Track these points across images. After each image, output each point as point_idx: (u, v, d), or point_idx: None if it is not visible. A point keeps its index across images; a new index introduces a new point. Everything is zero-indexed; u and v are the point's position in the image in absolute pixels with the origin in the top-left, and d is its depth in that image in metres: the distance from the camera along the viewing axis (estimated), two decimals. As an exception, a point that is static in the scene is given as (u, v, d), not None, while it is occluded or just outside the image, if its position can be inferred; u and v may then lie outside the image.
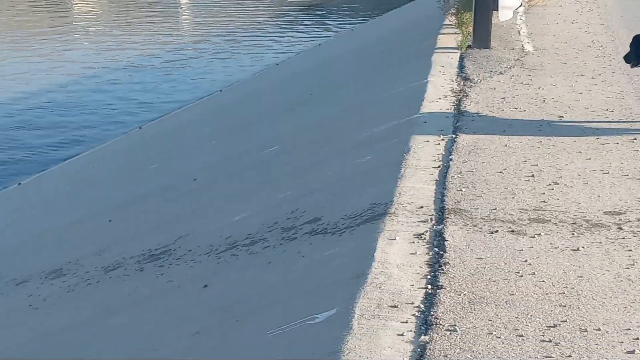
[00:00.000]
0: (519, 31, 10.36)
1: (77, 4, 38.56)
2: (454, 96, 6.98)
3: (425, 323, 3.14)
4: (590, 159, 5.23)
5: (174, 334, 3.72)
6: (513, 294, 3.35)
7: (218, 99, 13.42)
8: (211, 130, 9.34)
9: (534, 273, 3.55)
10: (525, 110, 6.55)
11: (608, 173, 4.95)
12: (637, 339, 3.01)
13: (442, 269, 3.60)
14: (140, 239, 5.85)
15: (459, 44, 9.15)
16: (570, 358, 2.87)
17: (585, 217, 4.23)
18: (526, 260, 3.68)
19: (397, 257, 3.67)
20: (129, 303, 4.51)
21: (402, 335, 3.02)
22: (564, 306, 3.25)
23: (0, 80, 24.77)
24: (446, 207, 4.36)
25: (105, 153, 12.05)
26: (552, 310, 3.21)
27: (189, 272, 4.62)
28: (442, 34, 9.91)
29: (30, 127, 19.79)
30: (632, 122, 6.22)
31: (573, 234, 4.01)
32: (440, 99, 6.78)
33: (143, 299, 4.48)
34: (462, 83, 7.57)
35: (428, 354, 2.93)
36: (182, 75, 23.17)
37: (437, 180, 4.79)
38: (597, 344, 2.97)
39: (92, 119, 20.07)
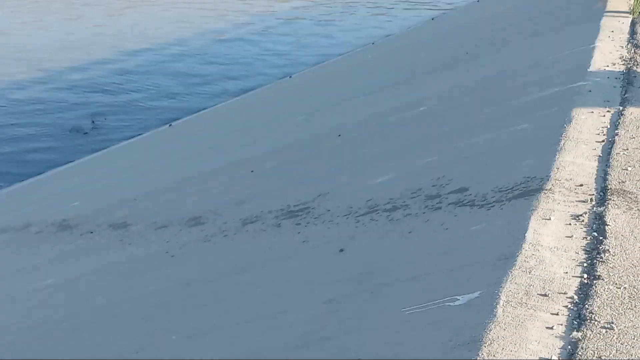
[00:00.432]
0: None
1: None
2: (623, 64, 6.43)
3: (579, 317, 2.82)
4: None
5: (305, 300, 3.56)
6: (683, 293, 2.98)
7: (369, 52, 13.16)
8: (359, 84, 9.13)
9: None
10: (703, 83, 5.94)
11: None
12: None
13: (601, 257, 3.25)
14: (280, 193, 5.74)
15: (632, 8, 8.47)
16: None
17: None
18: (700, 255, 3.27)
19: (551, 239, 3.34)
20: (263, 260, 4.40)
21: (551, 328, 2.72)
22: None
23: (158, 26, 25.47)
24: (609, 187, 3.96)
25: (254, 100, 12.09)
26: None
27: (325, 234, 4.45)
28: (613, -4, 9.21)
29: (181, 75, 20.23)
30: None
31: None
32: (607, 66, 6.26)
33: (277, 257, 4.36)
34: (632, 50, 6.98)
35: (580, 352, 2.62)
36: (335, 29, 23.06)
37: (599, 156, 4.37)
38: None
39: (244, 68, 20.31)
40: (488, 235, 3.54)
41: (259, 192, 6.02)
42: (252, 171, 6.70)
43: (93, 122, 16.69)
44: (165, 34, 24.04)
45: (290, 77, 15.45)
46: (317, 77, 11.86)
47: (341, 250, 4.05)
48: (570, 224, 3.47)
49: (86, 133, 16.11)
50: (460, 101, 6.45)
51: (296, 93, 10.68)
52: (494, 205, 3.87)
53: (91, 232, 6.74)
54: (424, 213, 4.15)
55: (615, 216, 3.60)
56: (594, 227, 3.49)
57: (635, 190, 3.92)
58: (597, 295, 2.94)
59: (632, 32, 7.65)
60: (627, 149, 4.46)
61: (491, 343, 2.59)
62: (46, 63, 21.09)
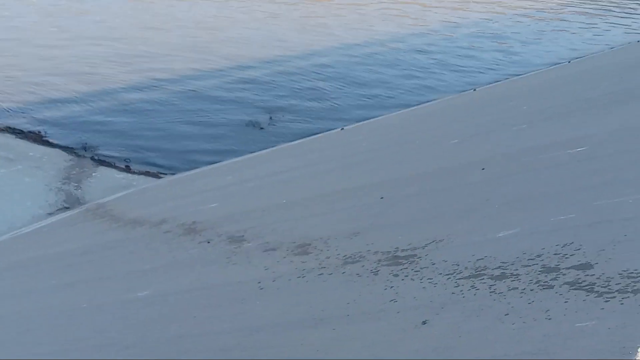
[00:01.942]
0: None
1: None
2: None
3: None
4: None
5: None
6: None
7: (548, 74, 12.12)
8: (526, 110, 8.25)
9: None
10: None
11: None
12: None
13: None
14: (396, 230, 5.11)
15: None
16: None
17: None
18: None
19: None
20: (341, 315, 3.81)
21: None
22: None
23: (346, 27, 25.25)
24: None
25: (423, 113, 11.43)
26: None
27: (418, 295, 3.79)
28: None
29: (364, 79, 19.85)
30: None
31: None
32: None
33: (356, 315, 3.76)
34: None
35: None
36: (546, 41, 21.79)
37: None
38: None
39: (427, 78, 19.65)
40: (593, 340, 2.77)
41: (378, 224, 5.41)
42: (381, 198, 6.10)
43: (271, 117, 16.70)
44: (352, 36, 23.83)
45: (475, 89, 14.67)
46: (489, 95, 11.02)
47: (424, 322, 3.39)
48: None
49: (262, 128, 16.13)
50: (627, 146, 5.51)
51: (461, 112, 9.92)
52: (614, 296, 3.07)
53: (208, 242, 6.42)
54: (531, 290, 3.39)
55: None
56: None
57: None
58: None
59: None
60: None
61: None
62: (237, 56, 21.40)
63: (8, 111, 16.45)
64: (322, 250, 5.11)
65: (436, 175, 6.38)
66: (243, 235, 6.26)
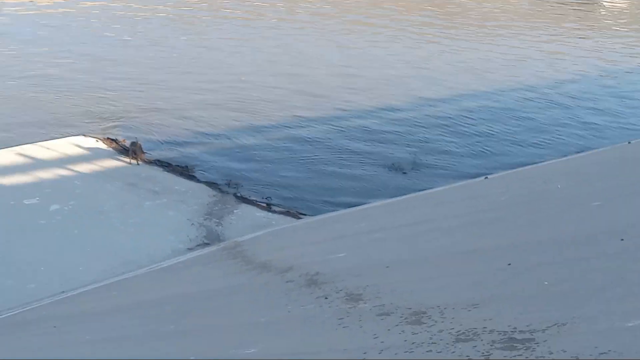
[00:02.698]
0: None
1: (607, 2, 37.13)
2: None
3: None
4: None
5: None
6: None
7: None
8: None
9: None
10: None
11: None
12: None
13: None
14: (518, 305, 4.71)
15: None
16: None
17: None
18: None
19: None
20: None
21: None
22: None
23: (496, 65, 24.61)
24: None
25: (575, 164, 10.83)
26: None
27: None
28: None
29: (517, 121, 19.20)
30: None
31: None
32: None
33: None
34: None
35: None
36: None
37: None
38: None
39: (600, 122, 18.77)
40: None
41: (499, 296, 5.03)
42: (509, 264, 5.69)
43: (415, 162, 16.44)
44: (505, 79, 23.20)
45: (629, 142, 13.83)
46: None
47: None
48: None
49: (405, 173, 15.90)
50: None
51: (611, 167, 9.28)
52: None
53: (325, 298, 6.21)
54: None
55: None
56: None
57: None
58: None
59: None
60: None
61: None
62: (387, 97, 21.31)
63: (158, 144, 17.03)
64: (436, 322, 4.78)
65: (571, 243, 5.90)
66: (361, 294, 6.01)
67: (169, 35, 27.14)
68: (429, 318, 4.91)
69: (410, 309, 5.23)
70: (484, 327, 4.43)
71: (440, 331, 4.59)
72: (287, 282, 7.33)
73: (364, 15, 32.56)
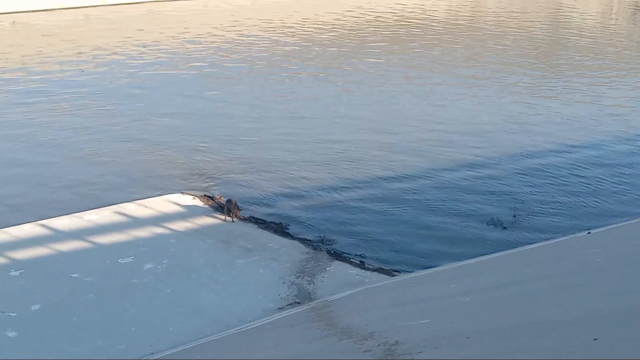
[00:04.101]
0: None
1: None
2: None
3: None
4: None
5: None
6: None
7: None
8: None
9: None
10: None
11: None
12: None
13: None
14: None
15: None
16: None
17: None
18: None
19: None
20: None
21: None
22: None
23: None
24: None
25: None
26: None
27: None
28: None
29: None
30: None
31: None
32: None
33: None
34: None
35: None
36: None
37: None
38: None
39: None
40: None
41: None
42: (595, 339, 5.19)
43: (515, 216, 15.87)
44: (620, 130, 22.28)
45: None
46: None
47: None
48: None
49: (505, 228, 15.36)
50: None
51: None
52: None
53: (399, 373, 5.84)
54: None
55: None
56: None
57: None
58: None
59: None
60: None
61: None
62: (486, 150, 20.80)
63: (254, 201, 17.02)
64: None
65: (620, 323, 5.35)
66: (435, 370, 5.61)
67: (265, 92, 27.42)
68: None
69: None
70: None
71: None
72: (364, 351, 6.99)
73: (459, 67, 32.17)
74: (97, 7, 45.08)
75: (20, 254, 13.78)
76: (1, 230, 14.73)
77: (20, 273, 13.13)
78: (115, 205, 16.17)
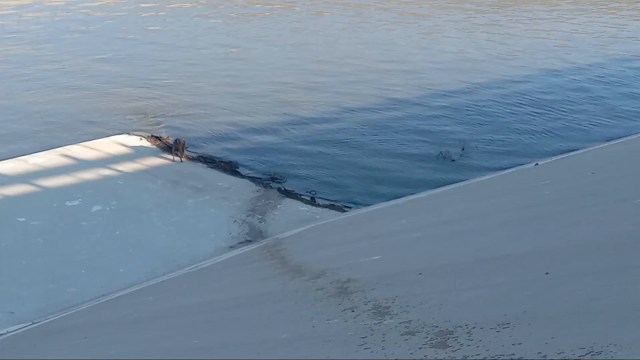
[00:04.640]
0: None
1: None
2: None
3: None
4: None
5: None
6: None
7: None
8: None
9: None
10: None
11: None
12: None
13: None
14: (549, 321, 4.28)
15: None
16: None
17: None
18: None
19: None
20: None
21: None
22: None
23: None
24: None
25: (621, 150, 10.20)
26: None
27: None
28: None
29: (581, 105, 18.41)
30: None
31: None
32: None
33: None
34: None
35: None
36: None
37: None
38: None
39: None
40: None
41: (532, 313, 4.59)
42: (546, 273, 5.24)
43: (463, 149, 15.94)
44: (556, 64, 22.40)
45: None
46: None
47: None
48: None
49: (453, 160, 15.43)
50: None
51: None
52: None
53: (352, 311, 5.84)
54: None
55: None
56: None
57: None
58: None
59: None
60: None
61: None
62: (432, 85, 20.76)
63: (201, 140, 16.82)
64: (462, 345, 4.37)
65: (615, 249, 5.41)
66: (389, 307, 5.63)
67: (208, 34, 26.93)
68: (455, 340, 4.50)
69: (436, 327, 4.84)
70: (512, 354, 4.01)
71: (465, 357, 4.19)
72: (317, 289, 6.99)
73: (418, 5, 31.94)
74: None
75: (-36, 199, 13.48)
76: (-59, 174, 14.38)
77: (-36, 218, 12.87)
78: (60, 148, 15.85)
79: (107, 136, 16.65)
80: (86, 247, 12.15)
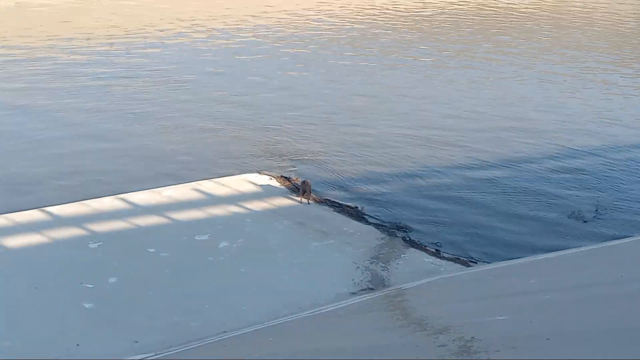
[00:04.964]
0: None
1: None
2: None
3: None
4: None
5: None
6: None
7: None
8: None
9: None
10: None
11: None
12: None
13: None
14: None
15: None
16: None
17: None
18: None
19: None
20: None
21: None
22: None
23: None
24: None
25: None
26: None
27: None
28: None
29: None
30: None
31: None
32: None
33: None
34: None
35: None
36: None
37: None
38: None
39: None
40: None
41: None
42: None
43: (597, 210, 15.42)
44: None
45: None
46: None
47: None
48: None
49: (586, 221, 14.94)
50: None
51: None
52: None
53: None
54: None
55: None
56: None
57: None
58: None
59: None
60: None
61: None
62: (566, 141, 20.25)
63: (328, 184, 16.93)
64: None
65: None
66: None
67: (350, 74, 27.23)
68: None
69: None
70: None
71: None
72: (439, 346, 6.84)
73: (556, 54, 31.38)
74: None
75: (99, 227, 14.01)
76: (82, 203, 15.00)
77: (98, 245, 13.35)
78: (193, 182, 16.31)
79: (238, 174, 17.02)
80: (211, 283, 12.37)
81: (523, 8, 44.16)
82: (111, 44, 30.86)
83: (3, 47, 29.83)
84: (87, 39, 31.73)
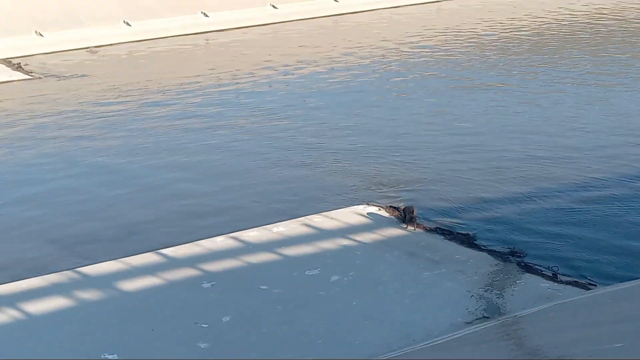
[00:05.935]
0: None
1: None
2: None
3: None
4: None
5: None
6: None
7: None
8: None
9: None
10: None
11: None
12: None
13: None
14: None
15: None
16: None
17: None
18: None
19: None
20: None
21: None
22: None
23: None
24: None
25: None
26: None
27: None
28: None
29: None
30: None
31: None
32: None
33: None
34: None
35: None
36: None
37: None
38: None
39: None
40: None
41: None
42: None
43: None
44: None
45: None
46: None
47: None
48: None
49: None
50: None
51: None
52: None
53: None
54: None
55: None
56: None
57: None
58: None
59: None
60: None
61: None
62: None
63: (437, 212, 16.70)
64: None
65: None
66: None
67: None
68: None
69: None
70: None
71: None
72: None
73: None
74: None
75: (212, 266, 14.26)
76: (195, 243, 15.31)
77: (212, 285, 13.59)
78: (302, 217, 16.39)
79: (347, 206, 17.01)
80: (324, 317, 12.38)
81: None
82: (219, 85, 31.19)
83: (158, 91, 29.93)
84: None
